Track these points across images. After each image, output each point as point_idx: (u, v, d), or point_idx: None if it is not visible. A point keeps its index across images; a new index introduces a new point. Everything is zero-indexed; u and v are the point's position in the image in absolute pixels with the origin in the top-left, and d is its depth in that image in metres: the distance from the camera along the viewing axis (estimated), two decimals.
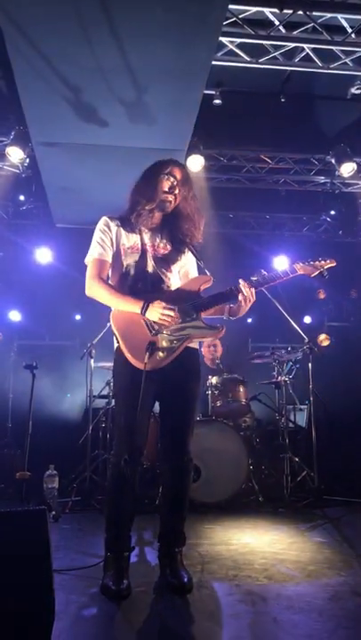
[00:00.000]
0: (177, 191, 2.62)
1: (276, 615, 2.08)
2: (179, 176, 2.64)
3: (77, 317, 8.26)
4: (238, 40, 4.61)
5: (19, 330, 7.66)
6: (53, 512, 3.95)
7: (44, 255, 7.55)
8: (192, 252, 2.74)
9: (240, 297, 2.57)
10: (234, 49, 4.68)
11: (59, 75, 4.33)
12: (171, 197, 2.62)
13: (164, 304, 2.45)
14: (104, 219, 2.70)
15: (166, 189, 2.61)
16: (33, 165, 6.05)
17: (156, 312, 2.44)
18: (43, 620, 1.64)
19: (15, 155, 5.68)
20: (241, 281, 2.59)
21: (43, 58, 4.15)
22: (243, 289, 2.56)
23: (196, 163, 5.80)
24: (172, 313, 2.45)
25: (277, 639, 1.88)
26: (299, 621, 2.01)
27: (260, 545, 3.26)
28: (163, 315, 2.43)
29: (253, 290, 2.59)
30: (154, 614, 2.12)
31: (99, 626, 2.04)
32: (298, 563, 2.86)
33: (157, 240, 2.69)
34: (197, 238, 2.72)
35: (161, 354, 2.44)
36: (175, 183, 2.62)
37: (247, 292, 2.56)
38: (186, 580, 2.37)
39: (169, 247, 2.70)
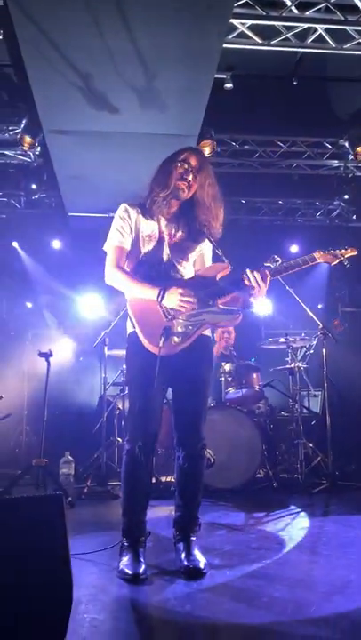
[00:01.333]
0: (191, 178, 2.59)
1: (292, 599, 2.09)
2: (194, 163, 2.60)
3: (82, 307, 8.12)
4: (249, 22, 4.54)
5: (33, 318, 7.72)
6: (69, 498, 4.01)
7: (56, 244, 7.60)
8: (210, 241, 2.70)
9: (250, 286, 2.48)
10: (245, 31, 4.61)
11: (68, 61, 4.31)
12: (184, 184, 2.58)
13: (181, 290, 2.45)
14: (124, 205, 2.68)
15: (180, 177, 2.58)
16: (44, 154, 6.04)
17: (174, 298, 2.43)
18: (60, 605, 1.66)
19: (26, 143, 5.68)
20: (248, 270, 2.50)
21: (52, 44, 4.14)
22: (250, 279, 2.47)
23: (207, 148, 5.76)
24: (190, 299, 2.45)
25: (293, 622, 1.90)
26: (314, 605, 2.03)
27: (274, 530, 3.27)
28: (181, 301, 2.43)
29: (269, 278, 2.52)
30: (169, 599, 2.14)
31: (115, 610, 2.07)
32: (312, 548, 2.87)
33: (174, 229, 2.67)
34: (216, 228, 2.66)
35: (176, 339, 2.45)
36: (189, 170, 2.59)
37: (254, 282, 2.47)
38: (201, 564, 2.39)
39: (185, 236, 2.68)
